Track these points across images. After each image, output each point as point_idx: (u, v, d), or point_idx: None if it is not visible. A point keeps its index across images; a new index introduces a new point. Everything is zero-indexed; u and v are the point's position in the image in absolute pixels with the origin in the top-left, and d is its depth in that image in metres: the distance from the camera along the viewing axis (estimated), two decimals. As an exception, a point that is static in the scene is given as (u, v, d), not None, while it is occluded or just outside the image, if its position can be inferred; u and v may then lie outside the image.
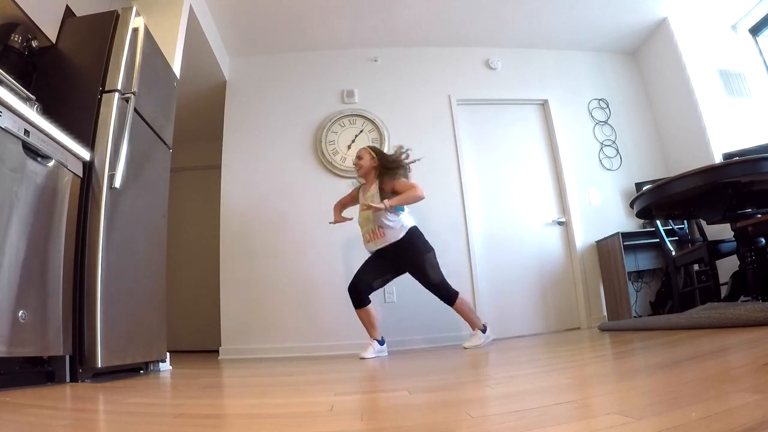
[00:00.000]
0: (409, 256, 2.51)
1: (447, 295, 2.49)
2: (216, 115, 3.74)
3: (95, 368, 1.49)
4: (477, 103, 3.82)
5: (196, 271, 4.20)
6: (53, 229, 1.46)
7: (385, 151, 3.36)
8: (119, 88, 1.77)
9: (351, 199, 2.78)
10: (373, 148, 2.70)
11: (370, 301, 2.51)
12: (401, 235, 2.49)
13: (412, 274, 2.55)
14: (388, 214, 2.46)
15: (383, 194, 2.51)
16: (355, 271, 2.56)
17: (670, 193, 2.40)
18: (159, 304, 2.05)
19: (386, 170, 2.57)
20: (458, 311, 2.51)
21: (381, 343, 2.52)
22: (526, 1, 3.47)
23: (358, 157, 2.66)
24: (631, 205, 2.84)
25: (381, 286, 2.60)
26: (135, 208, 1.86)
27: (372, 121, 3.60)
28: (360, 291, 2.48)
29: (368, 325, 2.51)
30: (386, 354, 2.53)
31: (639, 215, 2.89)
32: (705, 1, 3.56)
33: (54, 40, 1.95)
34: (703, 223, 2.88)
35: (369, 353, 2.42)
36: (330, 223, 2.74)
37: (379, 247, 2.52)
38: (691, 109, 3.55)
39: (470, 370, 1.50)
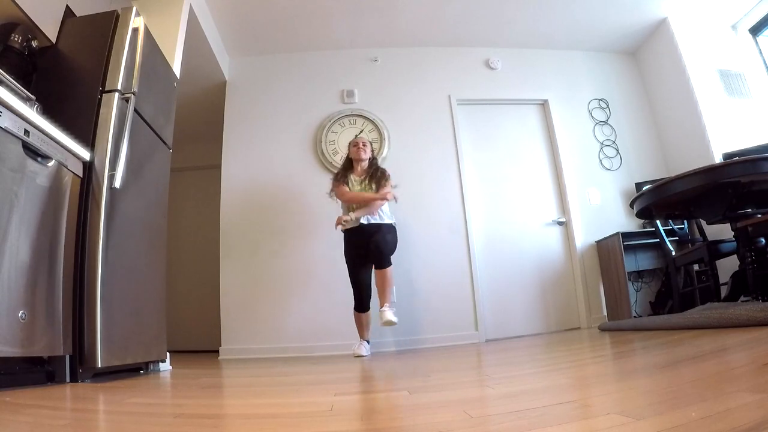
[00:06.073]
0: (388, 237, 2.60)
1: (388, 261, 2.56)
2: (216, 115, 3.73)
3: (95, 368, 1.49)
4: (477, 103, 3.82)
5: (196, 271, 4.20)
6: (53, 229, 1.46)
7: (385, 150, 3.52)
8: (119, 88, 1.77)
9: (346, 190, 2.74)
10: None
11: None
12: (388, 220, 2.67)
13: (375, 251, 2.52)
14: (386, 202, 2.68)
15: (376, 186, 2.67)
16: (351, 276, 2.66)
17: (670, 193, 2.40)
18: (159, 304, 2.05)
19: (376, 168, 2.76)
20: (387, 278, 2.50)
21: (369, 343, 2.68)
22: (526, 1, 3.47)
23: (364, 144, 2.80)
24: (631, 205, 2.84)
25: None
26: (135, 208, 1.86)
27: (372, 121, 3.60)
28: (367, 297, 2.63)
29: (366, 327, 2.67)
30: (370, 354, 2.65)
31: (639, 215, 2.89)
32: (705, 1, 3.56)
33: (54, 40, 1.95)
34: (703, 223, 2.88)
35: (363, 350, 2.56)
36: (344, 221, 2.61)
37: (369, 221, 2.62)
38: (691, 109, 3.54)
39: (470, 370, 1.51)
